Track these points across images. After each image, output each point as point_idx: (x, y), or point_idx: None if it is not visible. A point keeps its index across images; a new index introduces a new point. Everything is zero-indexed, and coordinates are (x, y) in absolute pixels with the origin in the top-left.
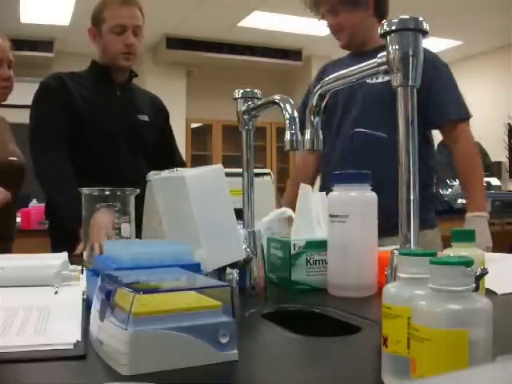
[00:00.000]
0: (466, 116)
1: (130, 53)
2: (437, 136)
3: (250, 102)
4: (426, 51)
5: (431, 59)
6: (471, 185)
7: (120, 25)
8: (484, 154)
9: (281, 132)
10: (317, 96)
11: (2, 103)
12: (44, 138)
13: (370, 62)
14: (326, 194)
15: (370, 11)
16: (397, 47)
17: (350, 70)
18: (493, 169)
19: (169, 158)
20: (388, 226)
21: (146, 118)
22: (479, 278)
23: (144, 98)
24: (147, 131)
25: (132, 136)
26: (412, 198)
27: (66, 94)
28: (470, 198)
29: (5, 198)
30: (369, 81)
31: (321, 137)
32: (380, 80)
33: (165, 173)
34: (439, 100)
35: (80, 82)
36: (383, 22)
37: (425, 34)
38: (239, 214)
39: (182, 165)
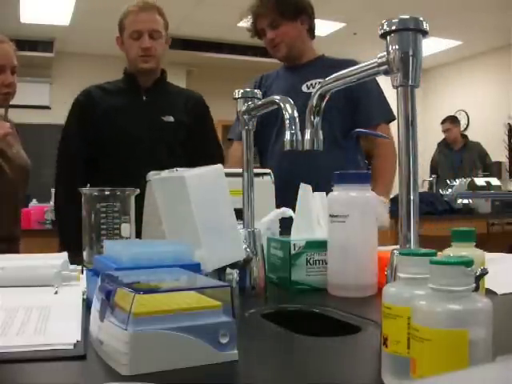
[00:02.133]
0: (388, 118)
1: (148, 55)
2: (438, 136)
3: (249, 102)
4: (350, 61)
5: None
6: (380, 181)
7: (136, 30)
8: (484, 155)
9: None
10: (317, 96)
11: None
12: (66, 153)
13: (370, 62)
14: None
15: (305, 26)
16: (397, 47)
17: (349, 70)
18: (493, 169)
19: (200, 155)
20: None
21: (171, 118)
22: (479, 278)
23: (176, 98)
24: (172, 132)
25: (155, 138)
26: (412, 198)
27: (92, 106)
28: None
29: (7, 132)
30: (304, 90)
31: (321, 137)
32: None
33: (165, 173)
34: (365, 107)
35: (109, 91)
36: (383, 21)
37: (425, 34)
38: (239, 214)
39: (212, 157)
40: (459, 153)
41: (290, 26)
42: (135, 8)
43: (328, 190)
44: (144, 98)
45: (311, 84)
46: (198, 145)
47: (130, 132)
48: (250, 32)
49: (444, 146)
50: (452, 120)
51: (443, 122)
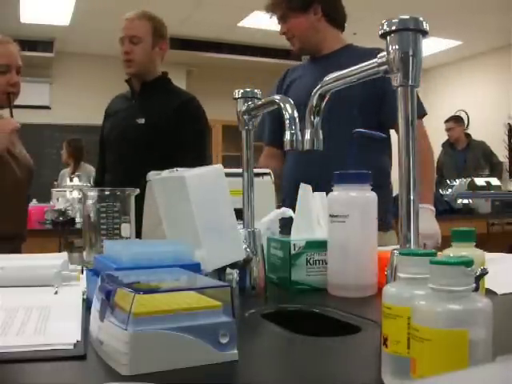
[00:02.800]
0: (420, 113)
1: (128, 60)
2: (437, 136)
3: (250, 102)
4: (376, 50)
5: None
6: (421, 179)
7: (120, 37)
8: (489, 153)
9: None
10: (317, 96)
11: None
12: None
13: (370, 62)
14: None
15: (319, 15)
16: (397, 47)
17: (349, 70)
18: (499, 167)
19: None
20: None
21: (142, 120)
22: (479, 278)
23: (163, 101)
24: (138, 133)
25: (125, 139)
26: (412, 198)
27: (105, 116)
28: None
29: (15, 127)
30: None
31: (321, 137)
32: None
33: (165, 173)
34: (394, 98)
35: (119, 97)
36: (383, 21)
37: (425, 34)
38: (239, 214)
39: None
40: (463, 152)
41: (299, 18)
42: (125, 17)
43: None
44: (133, 102)
45: None
46: (170, 149)
47: (110, 136)
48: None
49: (448, 146)
50: (456, 119)
51: (447, 121)
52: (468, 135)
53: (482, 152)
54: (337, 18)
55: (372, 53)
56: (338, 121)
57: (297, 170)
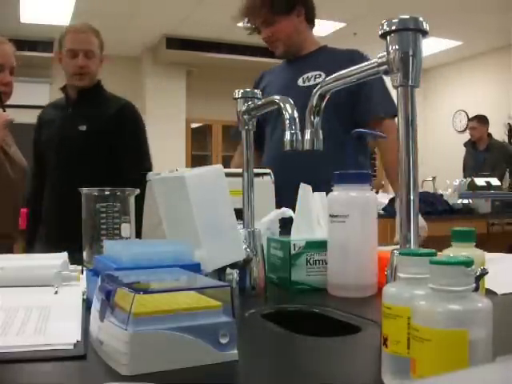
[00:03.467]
0: (392, 113)
1: (83, 73)
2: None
3: (250, 102)
4: (353, 52)
5: (359, 59)
6: (395, 177)
7: (72, 49)
8: (509, 155)
9: None
10: (317, 96)
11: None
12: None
13: (370, 62)
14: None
15: (302, 17)
16: (397, 47)
17: (349, 70)
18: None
19: (116, 166)
20: None
21: (84, 127)
22: (479, 278)
23: (102, 107)
24: (81, 140)
25: (65, 147)
26: (412, 198)
27: (38, 126)
28: (393, 185)
29: (7, 120)
30: (300, 84)
31: (321, 137)
32: (310, 83)
33: (165, 173)
34: (366, 98)
35: (52, 106)
36: (383, 21)
37: (425, 34)
38: (239, 214)
39: (121, 169)
40: (483, 153)
41: (284, 21)
42: (73, 29)
43: (327, 191)
44: (69, 110)
45: (307, 77)
46: (115, 154)
47: (49, 144)
48: (247, 30)
49: (470, 145)
50: (479, 119)
51: (471, 120)
52: (489, 135)
53: (502, 153)
54: (313, 19)
55: (348, 54)
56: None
57: (273, 169)
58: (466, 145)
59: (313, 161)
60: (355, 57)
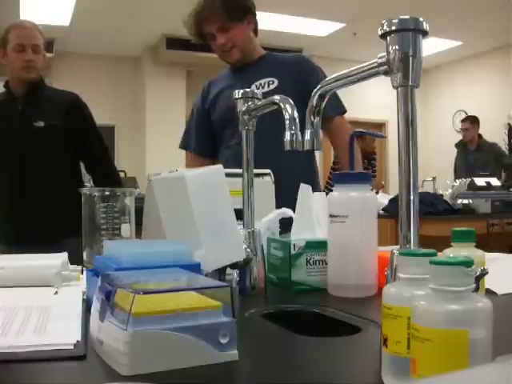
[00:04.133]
0: (340, 111)
1: (31, 67)
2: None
3: (249, 102)
4: (298, 56)
5: (306, 63)
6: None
7: (18, 44)
8: (500, 155)
9: None
10: (317, 96)
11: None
12: None
13: (370, 62)
14: None
15: (251, 25)
16: (397, 47)
17: (350, 70)
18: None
19: (86, 156)
20: None
21: (41, 123)
22: (479, 278)
23: (51, 101)
24: (42, 136)
25: (25, 145)
26: (412, 198)
27: None
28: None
29: None
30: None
31: (321, 137)
32: (265, 89)
33: (165, 173)
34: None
35: None
36: (383, 21)
37: (425, 34)
38: (239, 214)
39: (97, 157)
40: (473, 153)
41: (239, 28)
42: (18, 25)
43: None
44: (19, 107)
45: (260, 84)
46: (82, 145)
47: (4, 141)
48: (193, 37)
49: (461, 146)
50: (472, 120)
51: (464, 121)
52: (480, 136)
53: (493, 153)
54: (257, 29)
55: (294, 58)
56: (270, 121)
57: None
58: (457, 146)
59: (271, 159)
60: (302, 60)
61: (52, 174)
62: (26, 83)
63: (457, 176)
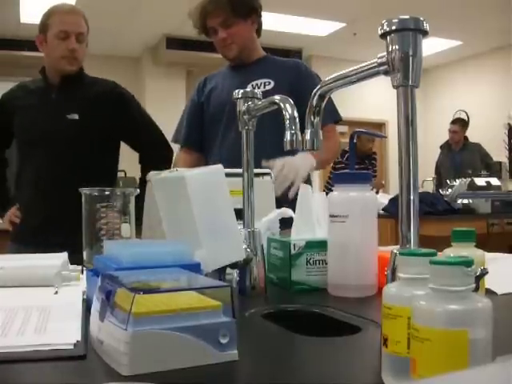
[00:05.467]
0: (333, 120)
1: (74, 57)
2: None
3: (249, 102)
4: (297, 62)
5: (303, 69)
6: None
7: (63, 31)
8: (485, 155)
9: None
10: (317, 96)
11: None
12: None
13: (370, 62)
14: None
15: (255, 26)
16: (397, 47)
17: (349, 70)
18: (495, 168)
19: (136, 146)
20: None
21: (75, 116)
22: (479, 278)
23: (87, 92)
24: (76, 130)
25: (57, 137)
26: (412, 198)
27: (11, 104)
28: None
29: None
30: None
31: (321, 137)
32: (260, 90)
33: (165, 173)
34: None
35: (28, 89)
36: (383, 21)
37: (425, 34)
38: (239, 214)
39: (155, 143)
40: (459, 153)
41: (242, 25)
42: (62, 9)
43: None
44: (53, 95)
45: (256, 84)
46: (126, 135)
47: (34, 131)
48: (196, 29)
49: (446, 147)
50: (463, 124)
51: (453, 123)
52: (465, 137)
53: (478, 153)
54: (260, 31)
55: (293, 63)
56: (262, 123)
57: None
58: (442, 147)
59: (262, 159)
60: (300, 66)
61: (82, 172)
62: (65, 74)
63: (441, 177)
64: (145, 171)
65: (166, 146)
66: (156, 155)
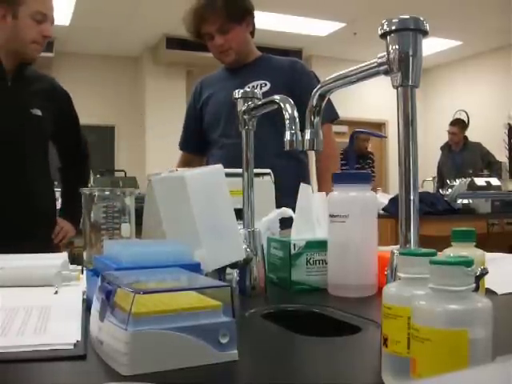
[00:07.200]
0: (330, 118)
1: (42, 44)
2: (437, 136)
3: (249, 102)
4: (294, 60)
5: (299, 68)
6: (323, 181)
7: (41, 12)
8: (485, 153)
9: None
10: (317, 96)
11: None
12: None
13: (370, 61)
14: None
15: (249, 28)
16: (397, 47)
17: (349, 70)
18: (496, 166)
19: (69, 144)
20: None
21: (38, 112)
22: (479, 278)
23: (41, 87)
24: (40, 126)
25: (22, 132)
26: (412, 198)
27: None
28: (320, 189)
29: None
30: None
31: (321, 137)
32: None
33: (165, 173)
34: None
35: None
36: (383, 21)
37: (425, 34)
38: (239, 213)
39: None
40: (460, 153)
41: (237, 30)
42: None
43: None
44: (9, 83)
45: (253, 86)
46: (66, 140)
47: None
48: (190, 34)
49: (446, 148)
50: (462, 126)
51: (453, 125)
52: (465, 137)
53: (479, 153)
54: (254, 32)
55: (289, 62)
56: (261, 122)
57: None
58: (442, 148)
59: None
60: (296, 65)
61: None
62: (25, 61)
63: (443, 178)
64: (74, 166)
65: (86, 143)
66: (83, 153)
